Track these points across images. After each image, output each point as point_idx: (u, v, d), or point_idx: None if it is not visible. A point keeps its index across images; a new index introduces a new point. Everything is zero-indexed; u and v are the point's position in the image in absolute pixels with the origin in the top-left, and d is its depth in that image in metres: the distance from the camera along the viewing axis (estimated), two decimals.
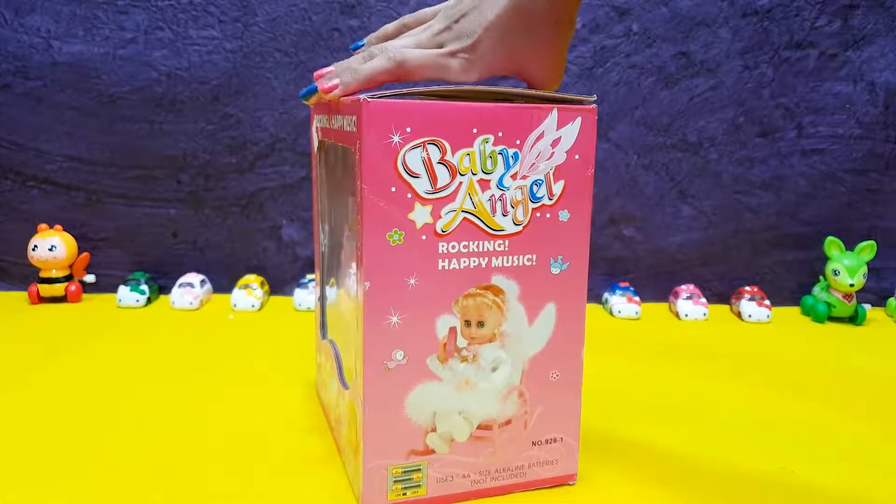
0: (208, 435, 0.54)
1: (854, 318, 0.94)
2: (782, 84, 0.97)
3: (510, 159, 0.41)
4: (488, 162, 0.40)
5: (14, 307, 0.93)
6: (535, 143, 0.41)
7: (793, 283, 1.03)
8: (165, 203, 0.99)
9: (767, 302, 0.95)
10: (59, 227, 0.97)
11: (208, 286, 0.98)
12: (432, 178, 0.39)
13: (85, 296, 0.98)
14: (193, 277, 0.96)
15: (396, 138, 0.38)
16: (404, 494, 0.43)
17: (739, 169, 0.99)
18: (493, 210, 0.41)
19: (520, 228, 0.42)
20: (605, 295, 0.99)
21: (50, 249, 0.94)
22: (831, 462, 0.52)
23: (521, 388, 0.44)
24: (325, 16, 0.94)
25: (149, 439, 0.53)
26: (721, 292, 1.03)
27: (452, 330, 0.42)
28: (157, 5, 0.92)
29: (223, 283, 1.00)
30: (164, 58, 0.94)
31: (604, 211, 1.00)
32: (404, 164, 0.39)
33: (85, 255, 0.98)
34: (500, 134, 0.40)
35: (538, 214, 0.42)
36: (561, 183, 0.42)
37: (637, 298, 0.95)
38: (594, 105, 0.42)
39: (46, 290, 0.94)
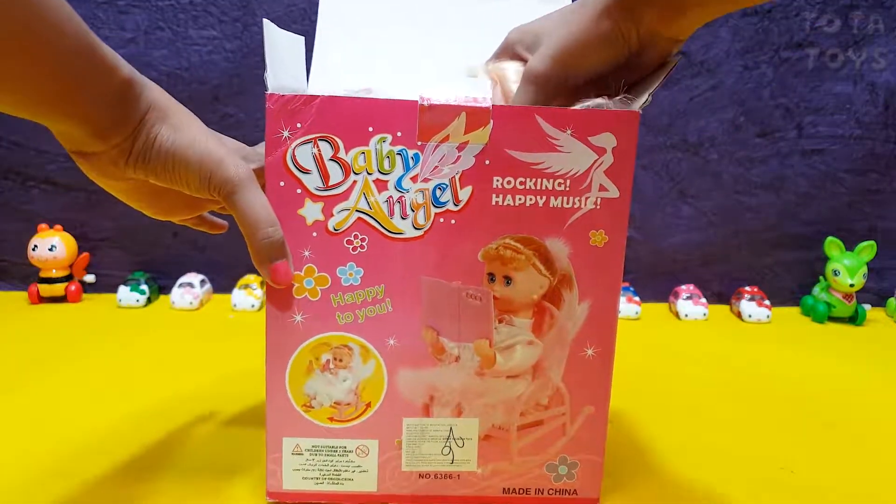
0: (209, 434, 0.54)
1: (854, 318, 0.94)
2: (782, 84, 0.97)
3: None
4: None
5: (14, 307, 0.92)
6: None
7: (793, 283, 1.03)
8: None
9: (767, 302, 0.95)
10: (59, 227, 0.97)
11: (208, 286, 0.98)
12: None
13: (85, 296, 0.98)
14: (193, 277, 0.96)
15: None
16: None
17: (739, 169, 0.99)
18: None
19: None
20: None
21: (50, 249, 0.94)
22: (832, 461, 0.52)
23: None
24: None
25: (149, 439, 0.53)
26: (721, 292, 1.03)
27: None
28: (157, 5, 0.92)
29: (223, 283, 1.00)
30: (164, 58, 0.94)
31: None
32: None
33: (85, 255, 0.98)
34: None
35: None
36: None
37: (637, 298, 0.95)
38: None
39: (46, 290, 0.94)
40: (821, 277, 0.97)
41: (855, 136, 0.98)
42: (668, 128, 0.98)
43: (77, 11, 0.32)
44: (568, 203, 0.40)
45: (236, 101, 0.95)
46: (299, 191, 0.39)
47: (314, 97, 0.38)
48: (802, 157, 0.99)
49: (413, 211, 0.40)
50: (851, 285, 0.92)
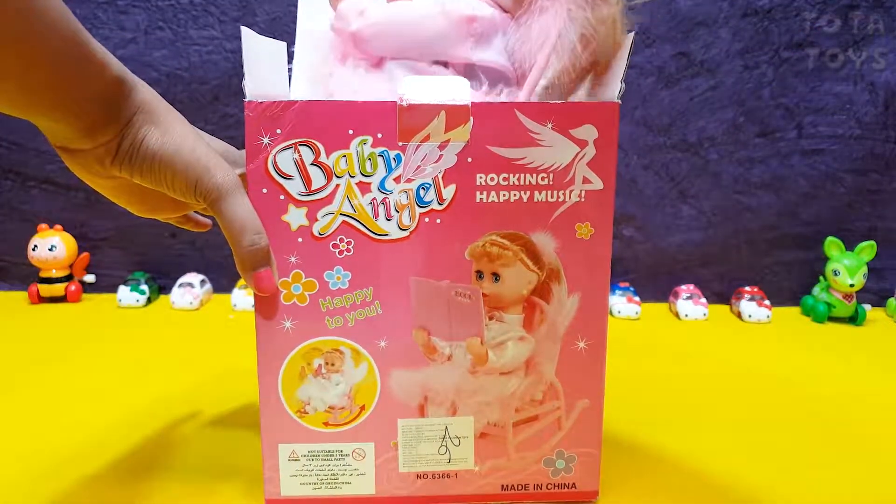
0: (208, 435, 0.54)
1: (854, 319, 0.94)
2: (782, 84, 0.97)
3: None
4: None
5: (14, 307, 0.93)
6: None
7: (793, 283, 1.03)
8: None
9: (767, 302, 0.95)
10: (59, 227, 0.97)
11: (208, 286, 0.98)
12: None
13: (85, 296, 0.98)
14: (193, 277, 0.96)
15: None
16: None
17: (739, 169, 0.99)
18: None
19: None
20: None
21: (50, 249, 0.94)
22: (832, 461, 0.52)
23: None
24: None
25: (148, 439, 0.53)
26: (721, 292, 1.03)
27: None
28: (157, 5, 0.92)
29: (223, 283, 1.00)
30: (164, 58, 0.94)
31: None
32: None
33: (85, 255, 0.98)
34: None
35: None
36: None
37: (637, 298, 0.95)
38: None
39: (46, 290, 0.94)
40: (821, 277, 0.97)
41: (855, 136, 0.98)
42: (668, 128, 0.98)
43: (77, 11, 0.32)
44: (552, 197, 0.40)
45: (236, 101, 0.95)
46: (282, 197, 0.39)
47: (293, 102, 0.38)
48: (802, 157, 0.99)
49: (397, 212, 0.40)
50: (851, 285, 0.92)
